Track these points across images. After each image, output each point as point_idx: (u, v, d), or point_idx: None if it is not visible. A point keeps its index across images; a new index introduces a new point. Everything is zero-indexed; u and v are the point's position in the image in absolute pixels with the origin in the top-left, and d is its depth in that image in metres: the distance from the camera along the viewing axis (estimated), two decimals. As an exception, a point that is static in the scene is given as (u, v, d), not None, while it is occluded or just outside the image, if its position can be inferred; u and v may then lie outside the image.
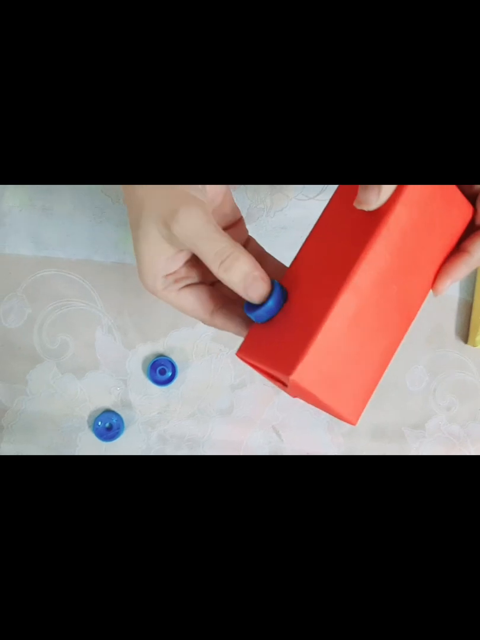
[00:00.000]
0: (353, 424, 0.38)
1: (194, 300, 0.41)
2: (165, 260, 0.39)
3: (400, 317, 0.38)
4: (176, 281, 0.40)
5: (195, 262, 0.41)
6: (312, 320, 0.36)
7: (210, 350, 0.60)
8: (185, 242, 0.37)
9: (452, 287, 0.61)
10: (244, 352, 0.40)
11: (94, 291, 0.59)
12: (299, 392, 0.38)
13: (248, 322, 0.41)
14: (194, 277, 0.41)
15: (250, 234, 0.59)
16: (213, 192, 0.42)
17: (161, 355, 0.59)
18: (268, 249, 0.59)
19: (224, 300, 0.42)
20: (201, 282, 0.42)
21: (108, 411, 0.59)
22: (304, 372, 0.35)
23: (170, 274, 0.40)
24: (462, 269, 0.39)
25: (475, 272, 0.61)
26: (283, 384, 0.38)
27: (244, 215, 0.60)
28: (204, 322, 0.42)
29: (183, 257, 0.39)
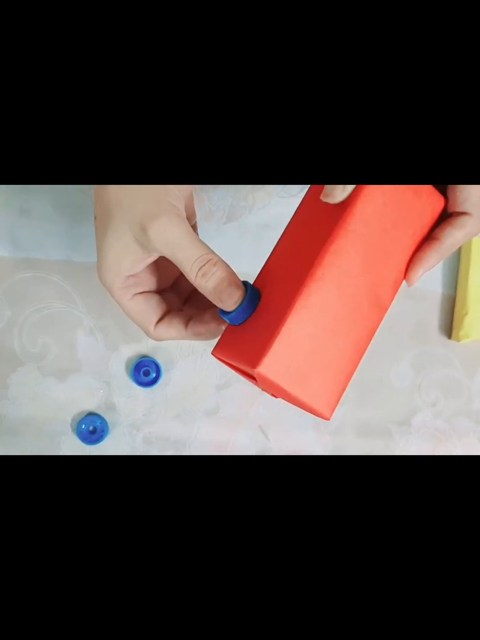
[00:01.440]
0: (326, 418, 0.38)
1: (145, 308, 0.42)
2: (131, 262, 0.40)
3: (371, 308, 0.38)
4: (135, 284, 0.42)
5: (155, 269, 0.43)
6: (278, 314, 0.36)
7: (195, 350, 0.59)
8: (162, 248, 0.38)
9: (434, 282, 0.61)
10: (218, 351, 0.40)
11: (75, 292, 0.58)
12: (269, 386, 0.38)
13: (188, 329, 0.42)
14: (150, 284, 0.43)
15: (233, 232, 0.59)
16: (186, 200, 0.43)
17: (145, 356, 0.59)
18: (251, 247, 0.59)
19: (168, 310, 0.43)
20: (154, 291, 0.43)
21: (92, 414, 0.58)
22: (270, 364, 0.35)
23: (131, 276, 0.41)
24: (433, 257, 0.39)
25: (457, 267, 0.61)
26: (256, 380, 0.38)
27: (226, 213, 0.60)
28: (146, 332, 0.43)
29: (148, 262, 0.40)
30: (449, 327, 0.61)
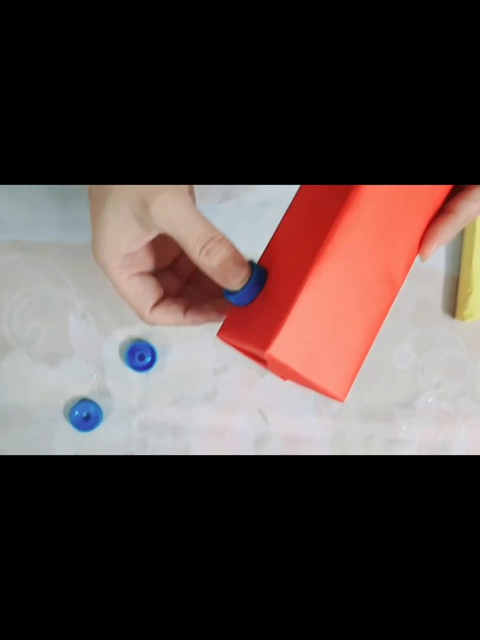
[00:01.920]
0: (341, 400, 0.37)
1: (141, 290, 0.41)
2: (129, 239, 0.38)
3: (383, 285, 0.37)
4: (131, 264, 0.40)
5: (153, 248, 0.41)
6: (288, 294, 0.35)
7: (191, 334, 0.57)
8: (164, 225, 0.37)
9: (437, 261, 0.60)
10: (224, 333, 0.39)
11: (66, 275, 0.56)
12: (279, 369, 0.37)
13: (186, 317, 0.41)
14: (147, 264, 0.41)
15: (230, 211, 0.57)
16: None
17: (139, 340, 0.57)
18: (249, 227, 0.57)
19: (165, 295, 0.42)
20: (151, 273, 0.42)
21: (85, 400, 0.56)
22: (280, 346, 0.34)
23: (128, 255, 0.39)
24: (447, 231, 0.38)
25: (461, 245, 0.60)
26: (265, 363, 0.37)
27: (221, 191, 0.58)
28: (141, 316, 0.41)
29: (147, 239, 0.39)
30: (452, 306, 0.60)
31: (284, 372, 0.37)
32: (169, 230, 0.37)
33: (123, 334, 0.57)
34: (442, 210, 0.38)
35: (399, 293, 0.38)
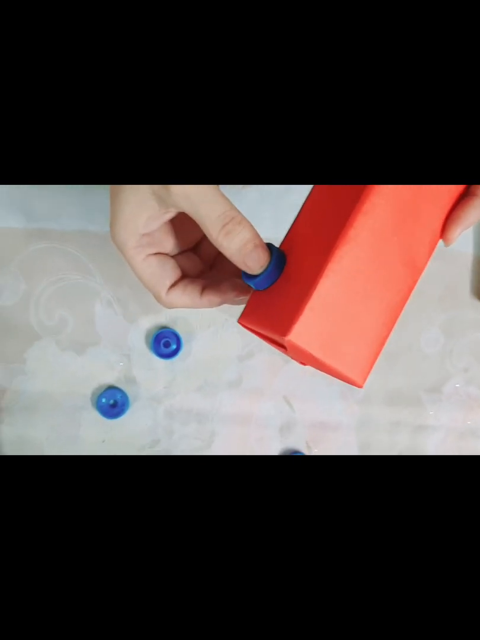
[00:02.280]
0: (359, 386, 0.36)
1: (158, 271, 0.40)
2: (147, 218, 0.37)
3: (405, 270, 0.36)
4: (149, 244, 0.39)
5: (172, 229, 0.41)
6: (308, 279, 0.35)
7: (215, 321, 0.57)
8: (183, 203, 0.36)
9: (466, 243, 0.59)
10: (245, 319, 0.39)
11: (91, 263, 0.57)
12: (299, 355, 0.37)
13: (203, 297, 0.41)
14: (166, 246, 0.41)
15: (253, 196, 0.57)
16: None
17: (164, 327, 0.57)
18: (272, 212, 0.57)
19: (183, 276, 0.41)
20: (169, 254, 0.41)
21: (112, 388, 0.57)
22: (300, 331, 0.34)
23: (146, 235, 0.39)
24: (472, 214, 0.37)
25: (489, 227, 0.58)
26: (285, 349, 0.37)
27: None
28: (157, 297, 0.41)
29: (165, 218, 0.38)
30: (481, 289, 0.59)
31: (304, 357, 0.37)
32: (188, 208, 0.36)
33: (148, 322, 0.57)
34: (467, 193, 0.37)
35: (426, 276, 0.37)
